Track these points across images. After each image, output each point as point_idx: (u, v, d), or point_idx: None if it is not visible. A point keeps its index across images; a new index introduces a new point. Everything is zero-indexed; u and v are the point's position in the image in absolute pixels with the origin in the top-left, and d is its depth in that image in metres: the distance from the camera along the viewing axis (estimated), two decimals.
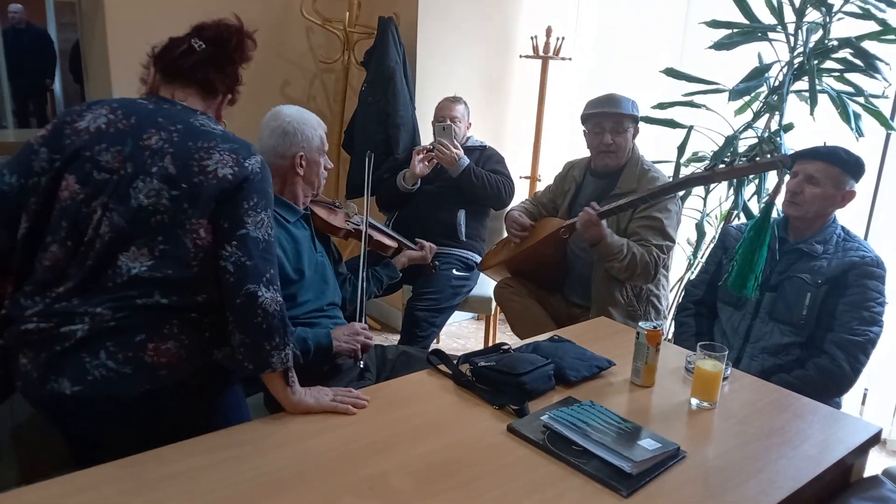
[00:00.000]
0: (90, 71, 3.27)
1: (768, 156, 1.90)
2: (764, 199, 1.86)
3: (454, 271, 2.83)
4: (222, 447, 1.29)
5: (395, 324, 3.60)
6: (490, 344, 3.12)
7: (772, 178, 2.56)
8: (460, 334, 3.70)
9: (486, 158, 3.00)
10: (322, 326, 1.88)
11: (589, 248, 2.33)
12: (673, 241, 2.38)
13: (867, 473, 1.53)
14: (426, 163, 2.89)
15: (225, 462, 1.24)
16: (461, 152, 2.86)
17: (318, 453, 1.29)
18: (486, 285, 2.98)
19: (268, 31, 3.28)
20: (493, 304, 2.98)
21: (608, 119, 2.40)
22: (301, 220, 1.91)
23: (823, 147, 1.98)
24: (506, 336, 3.47)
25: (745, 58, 2.61)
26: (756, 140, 2.58)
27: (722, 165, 2.07)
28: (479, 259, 2.93)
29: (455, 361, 1.66)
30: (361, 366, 1.88)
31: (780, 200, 2.04)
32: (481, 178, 2.87)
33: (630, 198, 2.30)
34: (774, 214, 1.94)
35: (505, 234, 2.80)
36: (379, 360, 2.00)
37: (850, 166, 1.95)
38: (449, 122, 2.94)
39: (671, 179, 2.51)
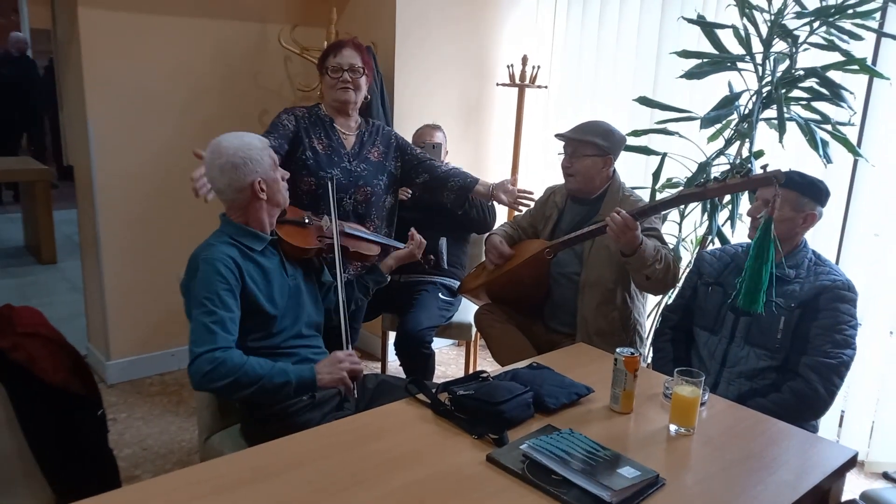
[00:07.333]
0: (66, 98, 3.25)
1: (761, 170, 1.88)
2: (762, 216, 1.85)
3: (440, 295, 2.83)
4: (198, 482, 1.27)
5: (374, 350, 3.58)
6: (471, 370, 3.11)
7: (745, 201, 2.61)
8: (441, 361, 3.68)
9: None
10: (300, 356, 1.85)
11: (622, 256, 2.17)
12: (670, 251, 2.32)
13: (846, 497, 1.54)
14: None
15: (199, 498, 1.22)
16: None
17: (296, 486, 1.27)
18: (466, 312, 2.97)
19: (246, 60, 3.28)
20: (474, 330, 2.97)
21: (568, 143, 2.45)
22: (269, 246, 1.86)
23: None
24: (486, 363, 3.46)
25: (717, 86, 2.68)
26: (728, 167, 2.63)
27: (714, 181, 2.01)
28: None
29: (434, 390, 1.65)
30: (356, 395, 1.85)
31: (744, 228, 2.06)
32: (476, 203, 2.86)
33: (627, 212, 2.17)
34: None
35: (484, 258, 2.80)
36: (358, 389, 1.98)
37: (804, 189, 1.98)
38: (437, 141, 2.96)
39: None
